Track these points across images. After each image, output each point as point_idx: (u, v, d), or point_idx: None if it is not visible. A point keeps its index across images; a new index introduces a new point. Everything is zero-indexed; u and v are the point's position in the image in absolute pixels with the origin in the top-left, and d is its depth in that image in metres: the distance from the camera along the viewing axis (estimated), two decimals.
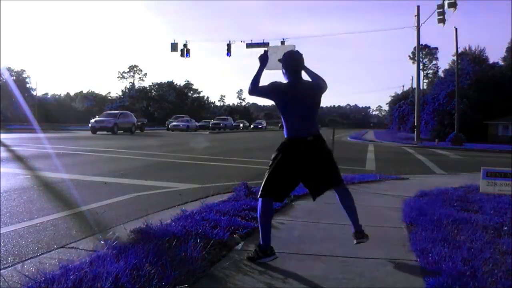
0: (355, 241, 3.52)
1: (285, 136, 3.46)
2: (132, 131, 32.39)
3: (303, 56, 3.58)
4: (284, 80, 3.56)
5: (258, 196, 3.44)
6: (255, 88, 3.46)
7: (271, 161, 3.41)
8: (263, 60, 3.53)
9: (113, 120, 30.51)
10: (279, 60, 3.57)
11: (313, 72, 3.65)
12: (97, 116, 32.69)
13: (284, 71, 3.55)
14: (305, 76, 3.66)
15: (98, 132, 29.39)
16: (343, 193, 3.56)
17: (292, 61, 3.52)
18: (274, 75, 3.69)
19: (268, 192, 3.36)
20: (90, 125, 30.53)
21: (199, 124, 50.05)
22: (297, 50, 3.63)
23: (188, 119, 48.33)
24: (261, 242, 3.38)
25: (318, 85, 3.61)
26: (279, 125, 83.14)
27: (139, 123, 35.75)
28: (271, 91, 3.47)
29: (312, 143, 3.38)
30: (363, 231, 3.52)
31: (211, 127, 51.32)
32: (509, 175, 6.83)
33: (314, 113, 3.53)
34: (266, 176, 3.39)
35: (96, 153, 13.56)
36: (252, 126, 69.61)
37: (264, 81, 3.52)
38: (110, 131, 29.78)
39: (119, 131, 30.79)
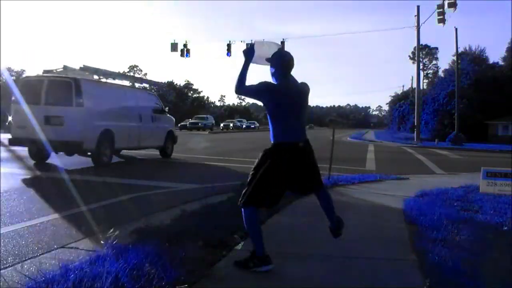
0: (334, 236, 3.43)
1: (273, 140, 3.19)
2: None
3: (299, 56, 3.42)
4: (271, 80, 3.30)
5: (241, 205, 3.13)
6: (242, 87, 3.15)
7: (255, 167, 3.14)
8: (249, 54, 3.21)
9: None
10: (267, 60, 3.32)
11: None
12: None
13: (274, 71, 3.28)
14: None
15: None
16: (323, 196, 3.41)
17: (285, 61, 3.26)
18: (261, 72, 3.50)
19: (256, 201, 3.10)
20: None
21: (180, 124, 45.73)
22: (287, 50, 3.39)
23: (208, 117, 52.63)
24: (256, 251, 3.13)
25: (306, 87, 3.35)
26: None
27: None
28: (263, 91, 3.16)
29: (303, 149, 3.19)
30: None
31: (188, 127, 45.50)
32: (509, 175, 6.83)
33: (305, 117, 3.36)
34: (253, 183, 3.09)
35: None
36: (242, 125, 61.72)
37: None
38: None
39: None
